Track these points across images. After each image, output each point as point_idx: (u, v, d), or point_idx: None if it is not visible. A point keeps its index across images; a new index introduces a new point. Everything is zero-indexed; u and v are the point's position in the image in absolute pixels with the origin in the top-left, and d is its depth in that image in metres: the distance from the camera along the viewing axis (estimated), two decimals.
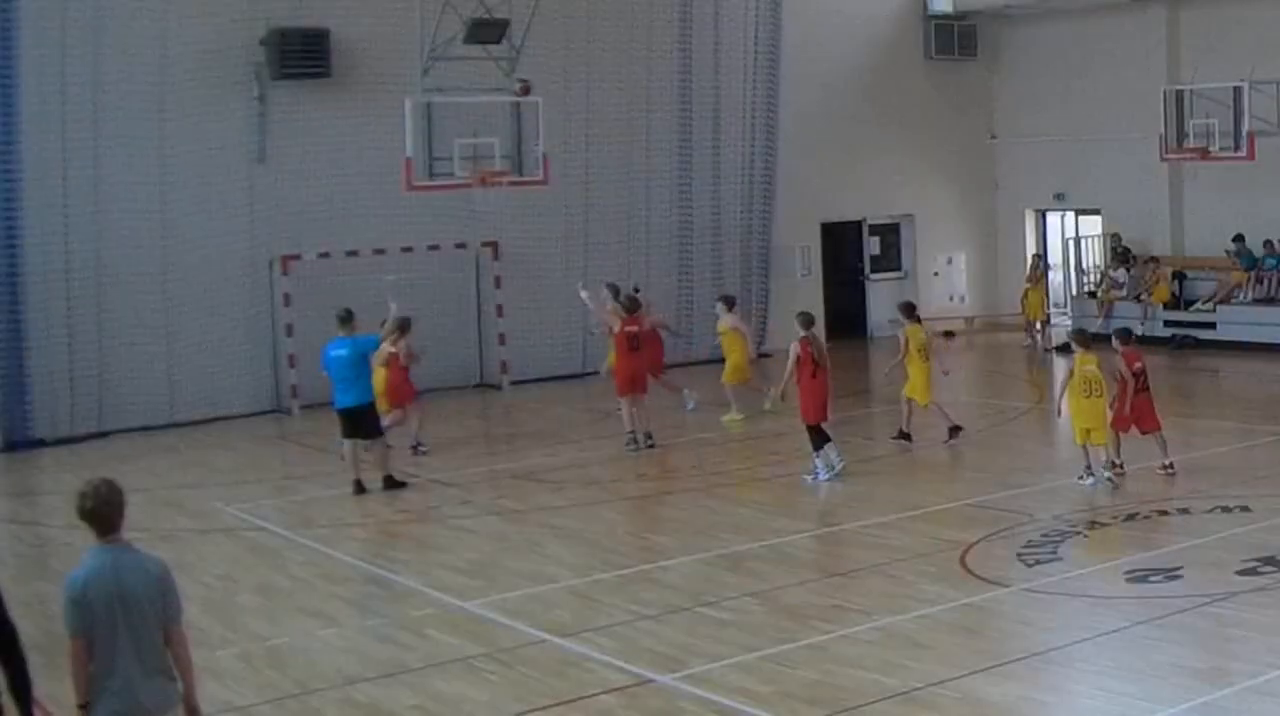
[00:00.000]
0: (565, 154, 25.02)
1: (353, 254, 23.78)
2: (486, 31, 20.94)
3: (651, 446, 18.94)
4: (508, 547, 14.67)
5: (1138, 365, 16.23)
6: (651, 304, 21.74)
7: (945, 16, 30.66)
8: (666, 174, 27.20)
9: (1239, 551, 12.63)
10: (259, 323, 23.54)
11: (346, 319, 17.14)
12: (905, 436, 18.70)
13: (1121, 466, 16.10)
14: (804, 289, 29.08)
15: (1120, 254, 28.92)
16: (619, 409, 19.49)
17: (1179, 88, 26.40)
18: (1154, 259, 27.99)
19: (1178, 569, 12.27)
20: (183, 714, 7.16)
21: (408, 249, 24.19)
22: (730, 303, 21.73)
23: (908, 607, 11.55)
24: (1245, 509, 14.28)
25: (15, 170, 21.28)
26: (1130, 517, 14.27)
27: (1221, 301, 27.07)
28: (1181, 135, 25.96)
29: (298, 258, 23.50)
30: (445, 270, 24.71)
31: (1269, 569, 12.06)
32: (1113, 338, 16.51)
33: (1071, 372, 15.88)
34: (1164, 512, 14.44)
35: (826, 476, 16.56)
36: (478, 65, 21.34)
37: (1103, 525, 14.01)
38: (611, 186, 26.61)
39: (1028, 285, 28.80)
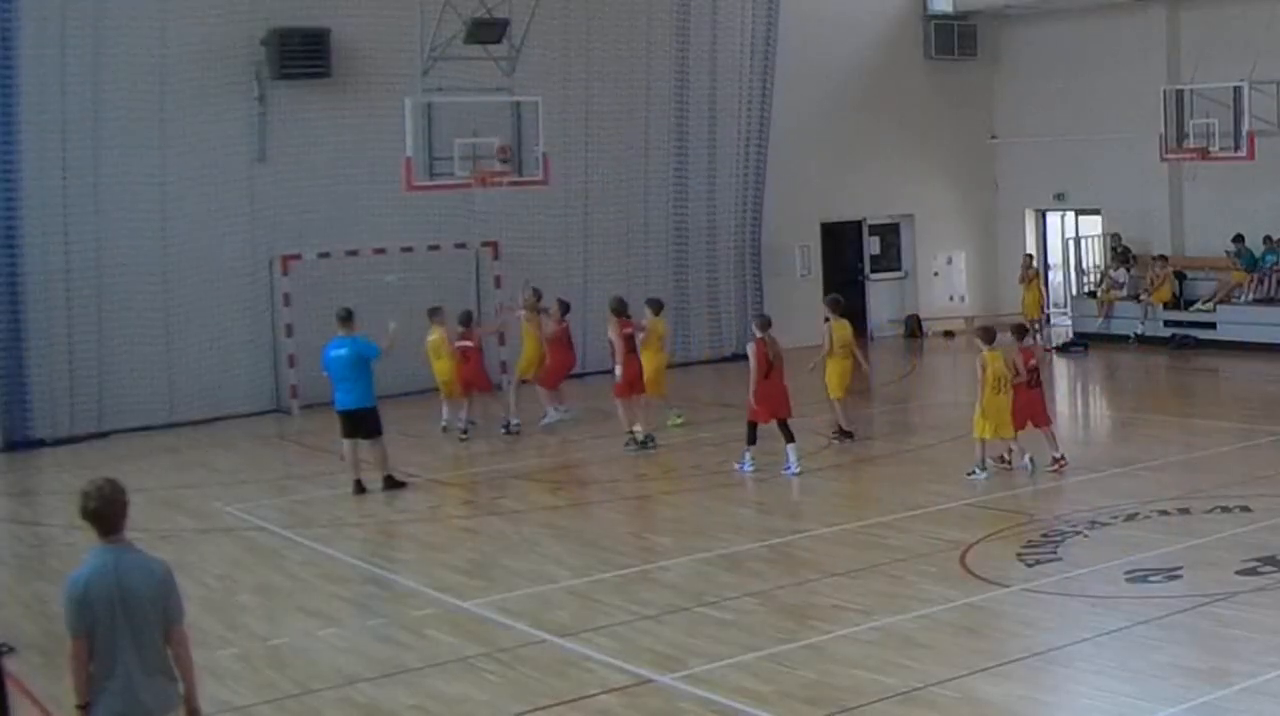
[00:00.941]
0: (565, 154, 25.03)
1: (353, 254, 23.79)
2: (486, 31, 20.96)
3: (653, 446, 18.94)
4: (508, 547, 14.67)
5: (1031, 362, 16.77)
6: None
7: (945, 16, 30.67)
8: (664, 174, 27.19)
9: (1239, 551, 12.63)
10: (259, 323, 23.54)
11: (346, 318, 17.11)
12: (846, 434, 18.82)
13: (1008, 460, 16.63)
14: (804, 289, 29.09)
15: (1120, 254, 28.94)
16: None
17: (1179, 88, 26.39)
18: (1162, 258, 27.99)
19: (1178, 569, 12.27)
20: (183, 714, 7.16)
21: (408, 249, 24.20)
22: (657, 307, 20.28)
23: (908, 607, 11.55)
24: (1245, 509, 14.29)
25: (15, 170, 21.28)
26: (1130, 517, 14.26)
27: (1221, 301, 27.08)
28: (1181, 135, 25.95)
29: (298, 258, 23.50)
30: (445, 270, 24.70)
31: (1269, 569, 12.06)
32: (1011, 333, 17.25)
33: (984, 368, 16.17)
34: (1164, 512, 14.44)
35: (751, 469, 17.13)
36: (478, 65, 21.36)
37: (1103, 525, 14.01)
38: (610, 186, 26.61)
39: (1021, 285, 28.90)
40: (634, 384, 19.26)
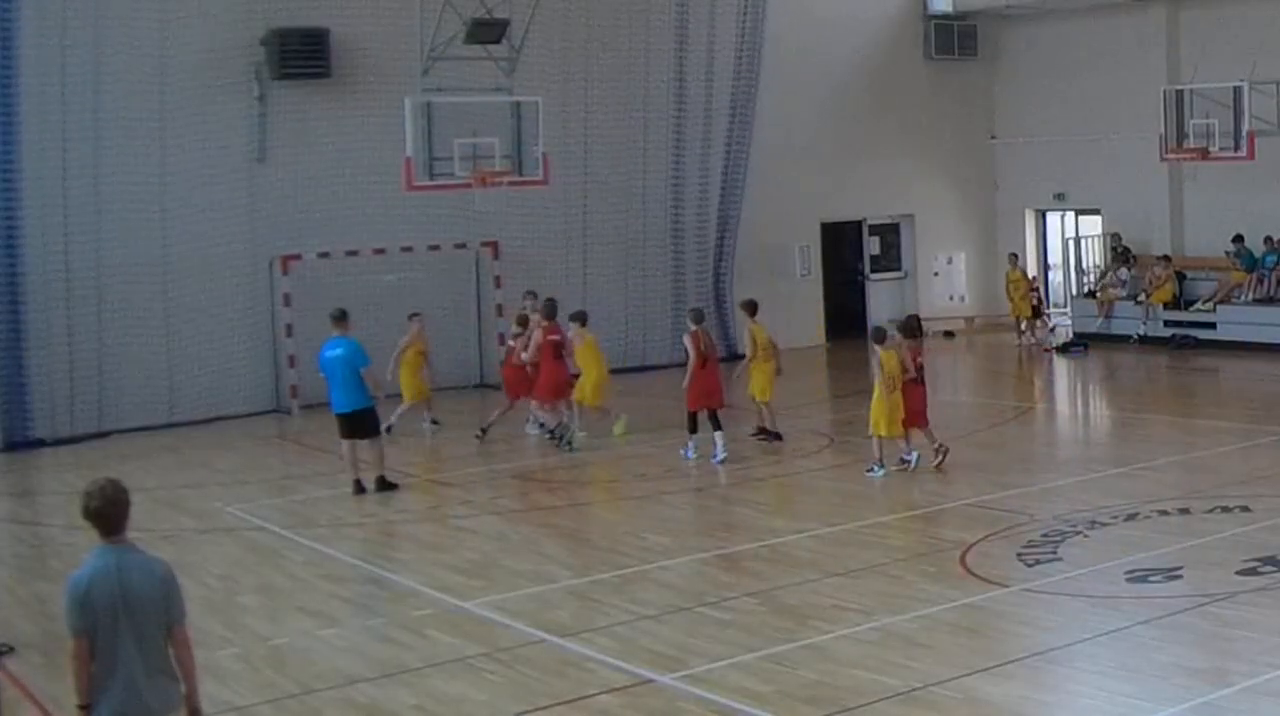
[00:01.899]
0: (565, 154, 25.04)
1: (353, 254, 23.80)
2: (486, 31, 20.96)
3: (570, 448, 18.97)
4: (508, 547, 14.67)
5: (919, 360, 17.20)
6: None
7: (945, 16, 30.67)
8: (661, 174, 27.19)
9: (1239, 551, 12.63)
10: (259, 323, 23.54)
11: (340, 318, 17.04)
12: (773, 435, 18.86)
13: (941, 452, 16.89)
14: (804, 289, 29.13)
15: (1120, 254, 28.94)
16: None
17: (1179, 88, 26.40)
18: (1164, 258, 27.99)
19: (1178, 569, 12.27)
20: (185, 714, 7.15)
21: (408, 249, 24.22)
22: (583, 319, 19.89)
23: (908, 607, 11.54)
24: (1245, 509, 14.28)
25: (15, 170, 21.29)
26: (1130, 517, 14.26)
27: (1221, 301, 27.08)
28: (1181, 135, 25.96)
29: (298, 258, 23.51)
30: (445, 270, 24.70)
31: (1269, 569, 12.06)
32: (899, 331, 17.69)
33: (882, 367, 16.50)
34: (1164, 512, 14.44)
35: (694, 457, 17.88)
36: (478, 65, 21.37)
37: (1103, 525, 14.01)
38: (610, 187, 26.61)
39: (1010, 286, 29.06)
40: (558, 390, 19.20)
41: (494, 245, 25.12)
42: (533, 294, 21.26)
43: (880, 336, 16.98)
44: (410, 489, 17.45)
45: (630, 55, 26.58)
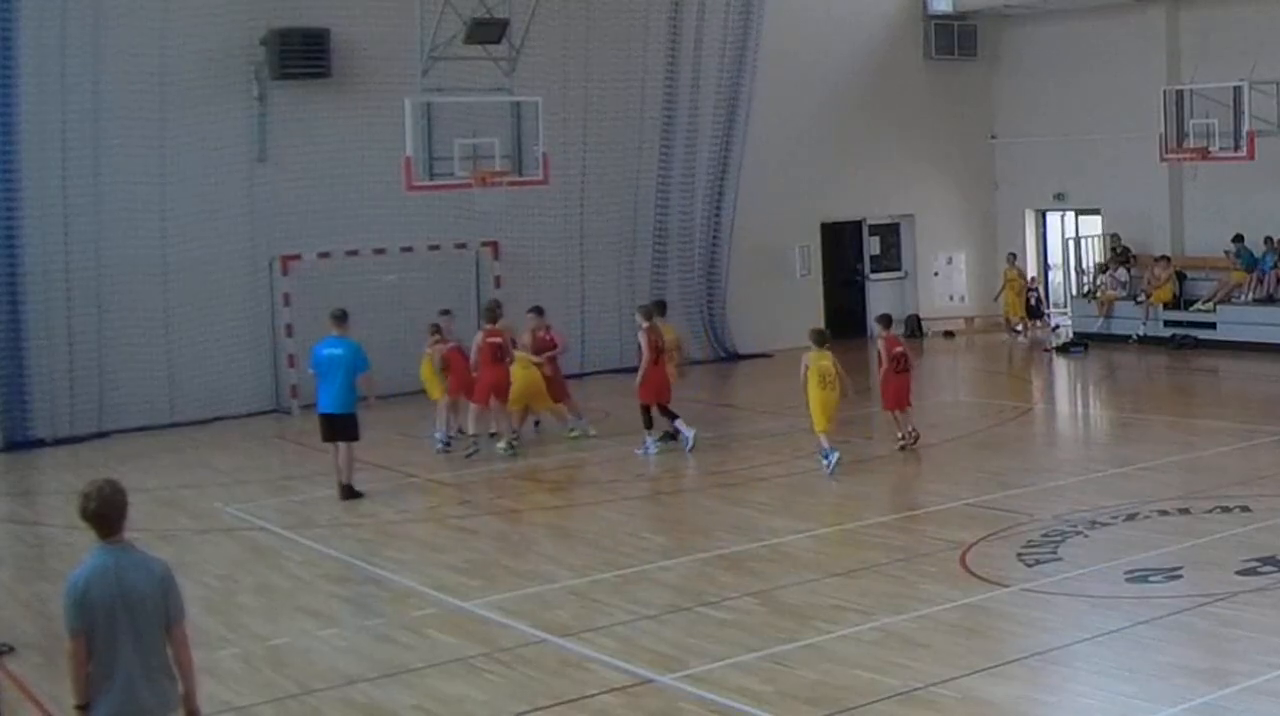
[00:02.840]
0: (565, 153, 25.04)
1: (353, 254, 23.80)
2: (486, 31, 20.95)
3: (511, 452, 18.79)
4: (508, 547, 14.68)
5: (897, 349, 18.22)
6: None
7: (945, 16, 30.67)
8: (661, 174, 27.19)
9: (1239, 551, 12.64)
10: (259, 323, 23.54)
11: (342, 319, 16.87)
12: (673, 435, 18.99)
13: (907, 438, 18.16)
14: (804, 289, 29.13)
15: (1120, 254, 28.94)
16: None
17: (1179, 88, 26.42)
18: (1164, 258, 27.99)
19: (1178, 569, 12.27)
20: (183, 714, 7.15)
21: (408, 249, 24.22)
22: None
23: (908, 607, 11.55)
24: (1245, 509, 14.29)
25: (15, 170, 21.28)
26: (1130, 517, 14.26)
27: (1221, 301, 27.08)
28: (1181, 135, 25.98)
29: (298, 258, 23.50)
30: (445, 270, 24.70)
31: (1269, 569, 12.06)
32: (875, 323, 19.03)
33: (807, 367, 17.08)
34: (1164, 512, 14.44)
35: (655, 451, 18.42)
36: (478, 65, 21.36)
37: (1103, 525, 14.01)
38: (611, 187, 26.62)
39: (1005, 286, 29.09)
40: (495, 393, 18.80)
41: (494, 245, 25.12)
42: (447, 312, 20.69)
43: (819, 339, 17.39)
44: (410, 489, 17.45)
45: (630, 55, 26.56)
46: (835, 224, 30.22)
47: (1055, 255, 31.95)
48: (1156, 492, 15.29)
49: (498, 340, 18.84)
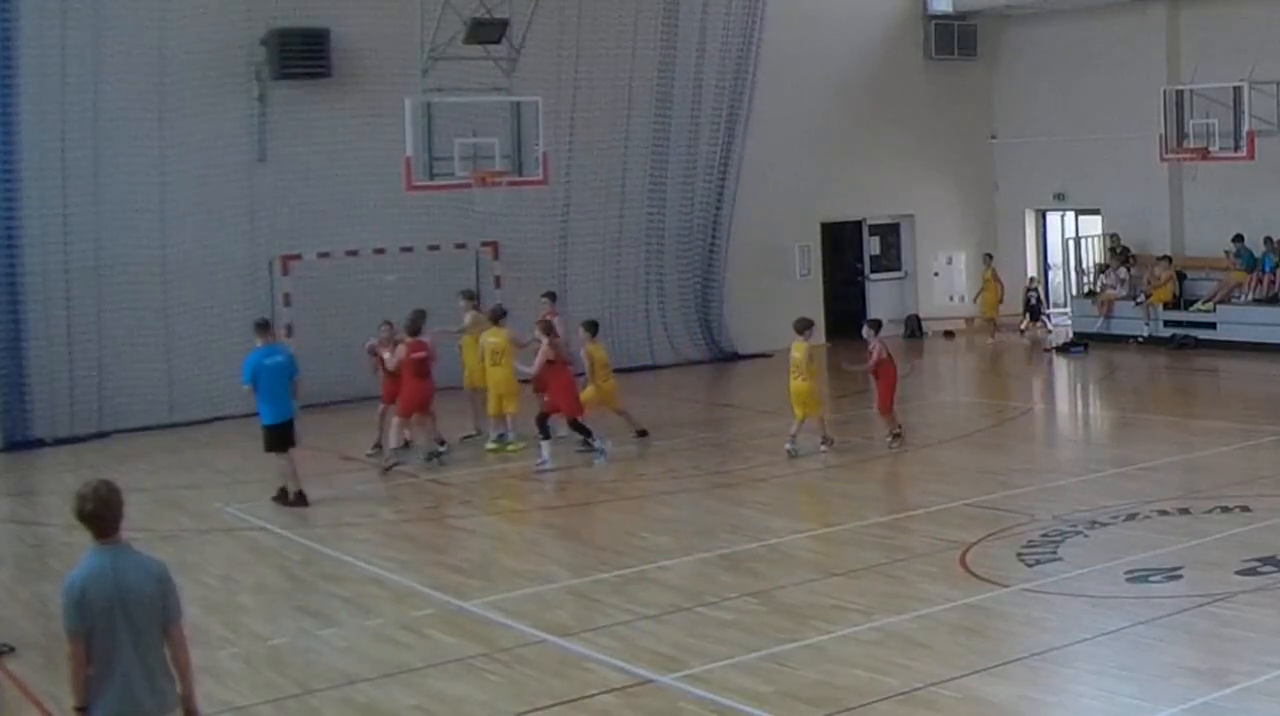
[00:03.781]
0: (566, 153, 25.04)
1: (353, 254, 23.80)
2: (486, 31, 20.95)
3: (394, 465, 18.23)
4: (508, 547, 14.68)
5: (871, 355, 18.61)
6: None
7: (945, 16, 30.68)
8: (663, 173, 27.20)
9: (1239, 551, 12.64)
10: None
11: (265, 327, 16.60)
12: (643, 433, 19.24)
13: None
14: (804, 289, 29.12)
15: (1120, 254, 28.94)
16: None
17: (1179, 88, 26.42)
18: (1165, 258, 27.99)
19: (1178, 569, 12.27)
20: (182, 714, 7.15)
21: (408, 249, 24.21)
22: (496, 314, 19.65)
23: (908, 607, 11.54)
24: (1245, 509, 14.29)
25: (15, 170, 21.28)
26: (1130, 517, 14.26)
27: (1221, 301, 27.08)
28: (1181, 135, 25.98)
29: (298, 258, 23.50)
30: (445, 270, 24.70)
31: (1269, 569, 12.06)
32: (864, 328, 19.18)
33: (791, 356, 17.77)
34: (1164, 512, 14.44)
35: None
36: (478, 65, 21.35)
37: (1103, 525, 14.01)
38: (611, 186, 26.62)
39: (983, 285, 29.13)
40: (419, 406, 18.48)
41: (494, 245, 25.11)
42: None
43: (798, 327, 18.06)
44: (411, 488, 17.44)
45: (631, 55, 26.55)
46: (835, 224, 30.22)
47: (1055, 255, 31.95)
48: (1156, 492, 15.29)
49: (421, 354, 18.35)
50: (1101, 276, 29.04)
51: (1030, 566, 12.67)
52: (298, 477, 16.51)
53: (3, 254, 21.31)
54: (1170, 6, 28.25)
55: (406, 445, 18.63)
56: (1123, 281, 28.48)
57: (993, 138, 31.79)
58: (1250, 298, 26.78)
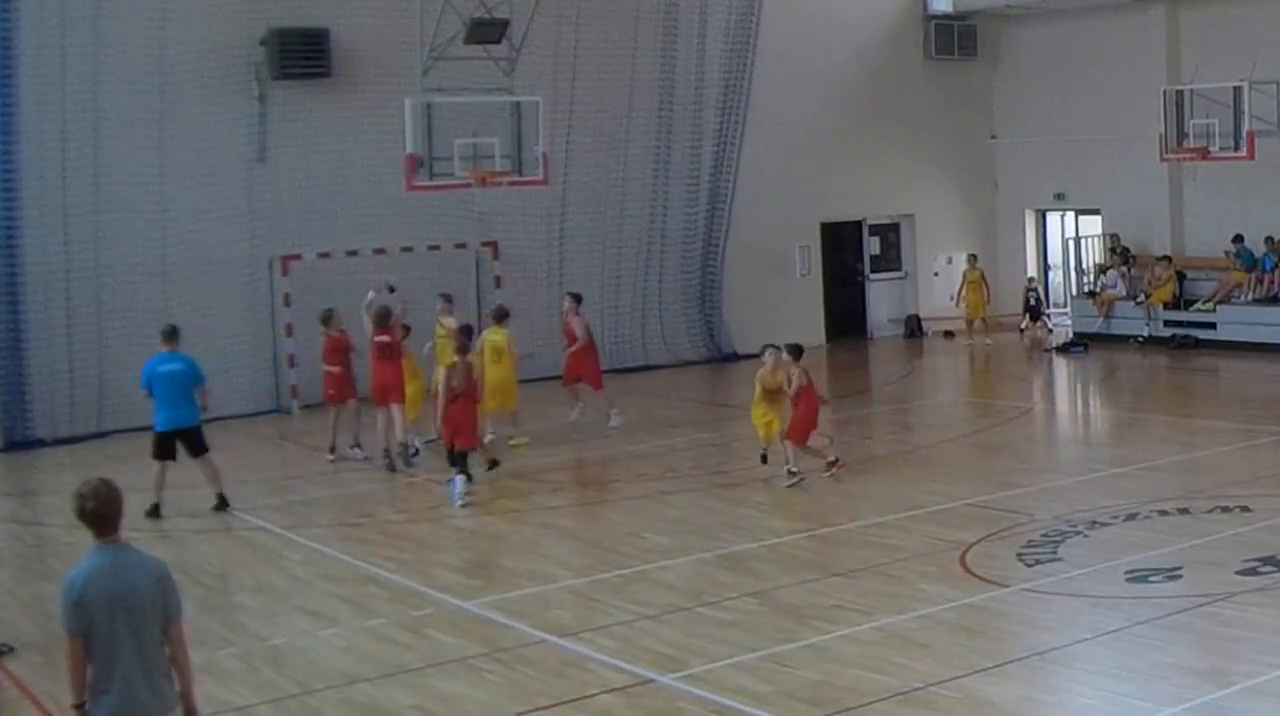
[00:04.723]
0: (566, 153, 25.03)
1: (353, 254, 23.79)
2: (486, 31, 20.96)
3: (390, 465, 18.17)
4: (508, 547, 14.67)
5: (795, 380, 16.67)
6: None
7: (945, 16, 30.68)
8: (665, 173, 27.21)
9: (1239, 551, 12.64)
10: (259, 323, 23.53)
11: (172, 335, 16.39)
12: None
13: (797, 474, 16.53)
14: (804, 289, 29.14)
15: (1119, 254, 28.94)
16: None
17: (1179, 88, 26.42)
18: (1165, 258, 27.99)
19: (1178, 569, 12.27)
20: (181, 714, 7.14)
21: (408, 249, 24.20)
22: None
23: (908, 607, 11.54)
24: (1245, 509, 14.29)
25: (15, 170, 21.28)
26: (1130, 517, 14.26)
27: (1221, 301, 27.08)
28: (1181, 135, 25.98)
29: (298, 258, 23.51)
30: (445, 270, 24.69)
31: (1269, 569, 12.06)
32: (783, 351, 16.86)
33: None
34: (1164, 512, 14.44)
35: (461, 501, 16.18)
36: (478, 65, 21.35)
37: (1103, 525, 14.01)
38: (611, 186, 26.63)
39: (967, 285, 29.11)
40: (387, 393, 18.28)
41: (494, 245, 25.12)
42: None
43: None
44: (411, 488, 17.44)
45: (631, 55, 26.56)
46: (835, 224, 30.22)
47: (1055, 255, 31.94)
48: (1156, 492, 15.29)
49: (385, 338, 18.31)
50: (1102, 277, 29.04)
51: (1030, 566, 12.67)
52: (219, 480, 16.38)
53: (3, 254, 21.32)
54: (1170, 6, 28.25)
55: (404, 447, 18.59)
56: (1124, 276, 28.45)
57: (993, 138, 31.79)
58: (1250, 298, 26.78)
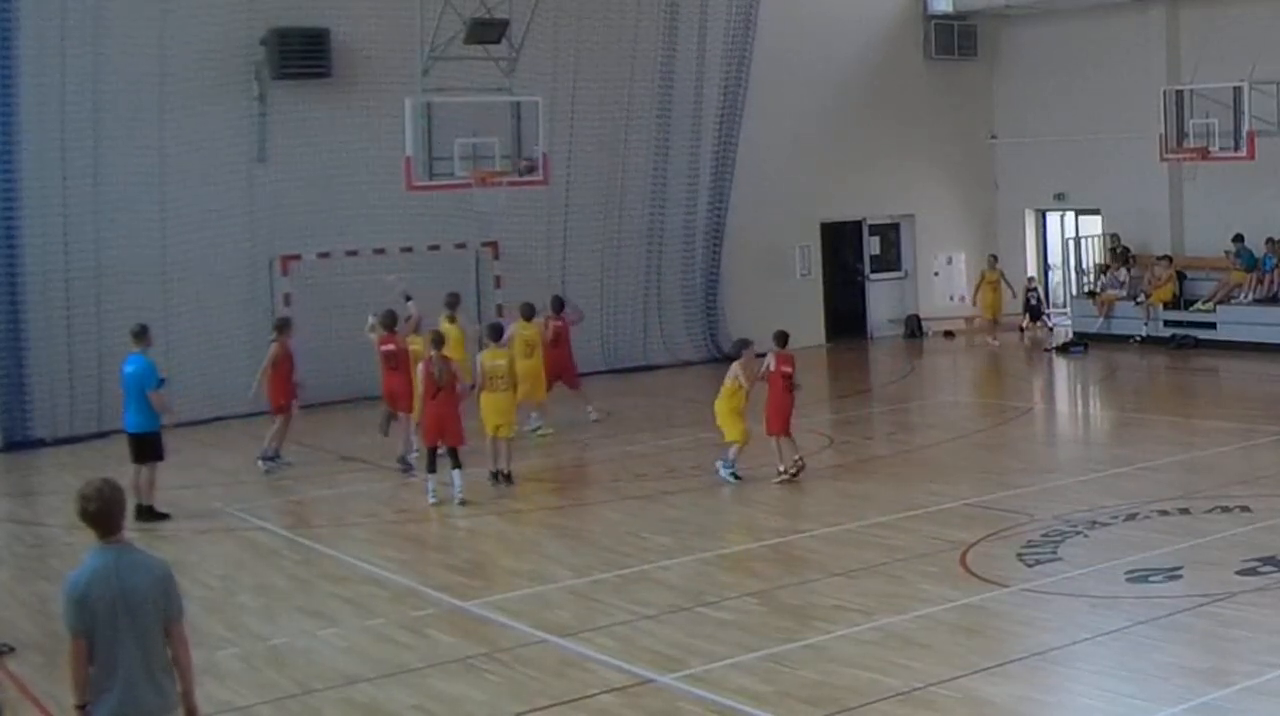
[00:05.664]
0: (566, 153, 25.04)
1: (353, 254, 23.80)
2: (486, 31, 20.97)
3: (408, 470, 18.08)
4: (508, 547, 14.68)
5: (786, 368, 17.01)
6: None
7: (945, 16, 30.68)
8: (665, 173, 27.21)
9: (1239, 551, 12.64)
10: (259, 323, 23.48)
11: (139, 335, 16.29)
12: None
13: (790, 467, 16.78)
14: (804, 289, 29.14)
15: (1120, 254, 28.94)
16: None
17: (1179, 88, 26.43)
18: (1165, 258, 27.99)
19: (1178, 569, 12.27)
20: (182, 714, 7.15)
21: (408, 249, 24.20)
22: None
23: (908, 607, 11.55)
24: (1245, 509, 14.29)
25: (15, 170, 21.28)
26: (1130, 517, 14.26)
27: (1221, 301, 27.08)
28: (1181, 135, 26.00)
29: (298, 258, 23.50)
30: (445, 270, 24.69)
31: (1269, 569, 12.06)
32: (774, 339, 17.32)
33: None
34: (1164, 512, 14.44)
35: (435, 500, 16.17)
36: (478, 65, 21.36)
37: (1103, 525, 14.01)
38: (611, 186, 26.63)
39: (987, 286, 29.06)
40: (395, 401, 18.37)
41: (494, 245, 25.11)
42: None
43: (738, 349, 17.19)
44: (410, 489, 17.44)
45: (630, 54, 26.56)
46: (835, 224, 30.22)
47: (1055, 255, 31.94)
48: (1156, 492, 15.29)
49: (391, 347, 18.32)
50: (1102, 277, 29.04)
51: (1030, 566, 12.68)
52: (141, 489, 15.83)
53: (3, 254, 21.31)
54: (1170, 6, 28.25)
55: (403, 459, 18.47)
56: (1121, 283, 28.46)
57: (993, 138, 31.79)
58: (1250, 298, 26.78)
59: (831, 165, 29.26)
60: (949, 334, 30.45)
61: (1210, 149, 25.44)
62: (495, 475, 17.12)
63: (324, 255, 23.60)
